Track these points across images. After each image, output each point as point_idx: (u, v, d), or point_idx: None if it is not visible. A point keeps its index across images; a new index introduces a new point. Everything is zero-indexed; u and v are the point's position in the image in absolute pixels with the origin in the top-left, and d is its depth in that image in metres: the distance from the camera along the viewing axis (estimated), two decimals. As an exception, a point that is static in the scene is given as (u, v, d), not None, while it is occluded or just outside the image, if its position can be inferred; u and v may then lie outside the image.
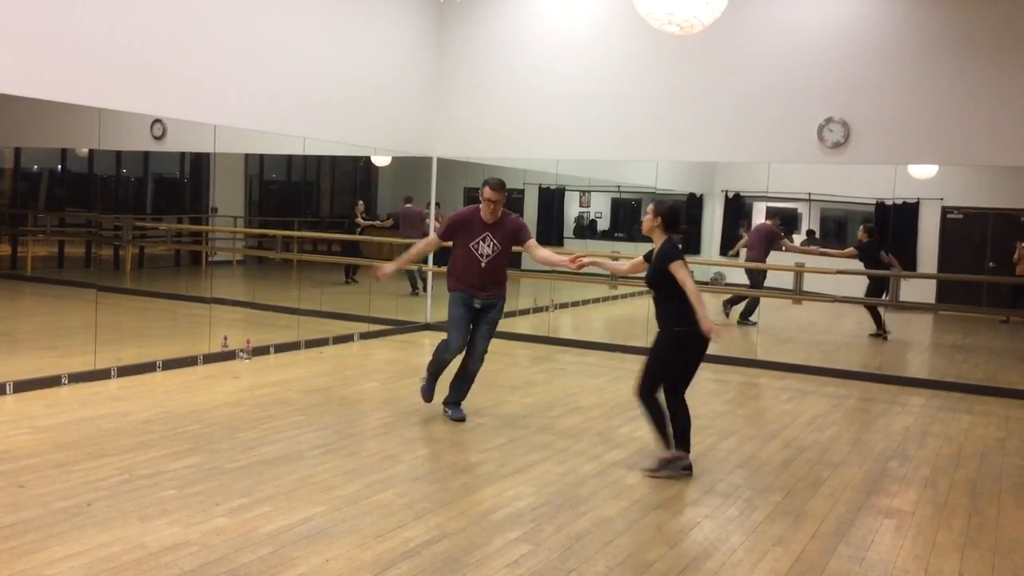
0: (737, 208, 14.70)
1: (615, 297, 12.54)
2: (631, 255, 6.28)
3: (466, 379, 6.36)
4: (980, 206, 12.54)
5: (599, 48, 9.86)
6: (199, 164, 11.58)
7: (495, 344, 9.96)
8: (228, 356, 8.18)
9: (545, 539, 4.14)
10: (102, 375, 7.09)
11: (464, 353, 6.30)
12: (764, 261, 11.04)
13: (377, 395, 7.21)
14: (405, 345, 9.76)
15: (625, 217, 15.02)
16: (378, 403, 6.89)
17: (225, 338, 8.32)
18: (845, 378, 8.73)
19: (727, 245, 14.38)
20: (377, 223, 12.46)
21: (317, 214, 13.83)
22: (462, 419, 6.25)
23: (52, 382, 6.74)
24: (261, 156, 12.66)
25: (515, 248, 6.31)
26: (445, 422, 6.26)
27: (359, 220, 12.42)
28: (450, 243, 6.34)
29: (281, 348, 8.76)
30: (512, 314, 11.98)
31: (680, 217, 5.42)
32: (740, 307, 11.03)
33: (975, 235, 12.07)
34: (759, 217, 14.88)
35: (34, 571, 3.51)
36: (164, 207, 12.81)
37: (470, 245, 6.12)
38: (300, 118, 8.89)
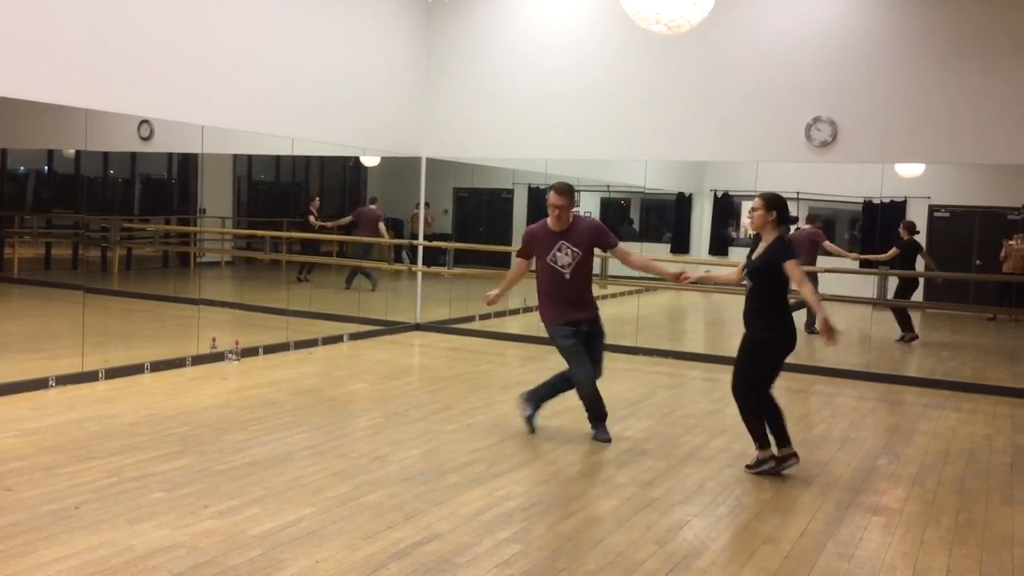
0: (726, 207, 14.74)
1: (604, 296, 12.55)
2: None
3: (594, 399, 5.97)
4: (967, 204, 12.62)
5: (587, 48, 9.87)
6: (187, 165, 11.53)
7: (486, 344, 10.01)
8: (217, 357, 8.15)
9: (535, 539, 4.14)
10: (90, 377, 7.05)
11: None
12: (813, 264, 10.88)
13: (367, 396, 7.19)
14: (395, 345, 9.74)
15: (615, 216, 15.05)
16: (368, 404, 6.88)
17: (214, 339, 8.29)
18: (834, 376, 8.77)
19: (716, 244, 14.43)
20: (329, 224, 12.42)
21: (306, 215, 13.79)
22: (608, 440, 5.90)
23: (39, 384, 6.70)
24: (249, 157, 12.62)
25: (604, 254, 5.95)
26: (433, 422, 6.25)
27: (312, 219, 12.35)
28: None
29: (270, 349, 8.74)
30: (502, 314, 12.00)
31: (789, 208, 5.33)
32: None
33: (962, 233, 12.15)
34: (747, 216, 14.88)
35: (22, 575, 3.49)
36: (152, 208, 12.76)
37: (547, 259, 5.80)
38: (288, 118, 8.87)
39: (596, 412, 5.97)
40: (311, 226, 12.33)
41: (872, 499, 5.01)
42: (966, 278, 11.64)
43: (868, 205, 12.70)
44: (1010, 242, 11.69)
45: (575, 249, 5.78)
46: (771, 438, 5.28)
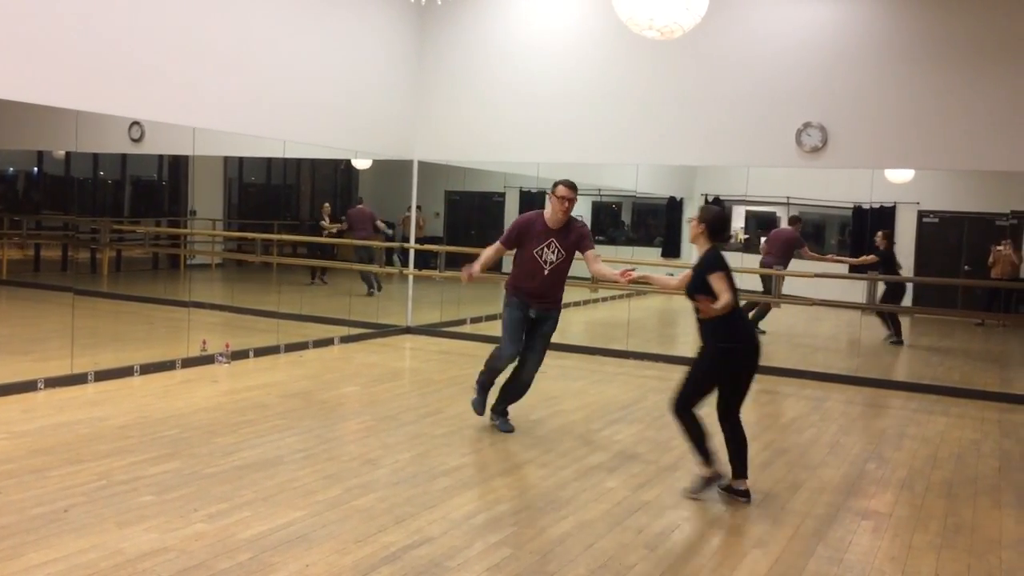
0: (717, 212, 14.73)
1: (595, 300, 12.58)
2: (621, 260, 6.28)
3: (518, 389, 6.17)
4: (956, 210, 12.69)
5: (580, 52, 9.89)
6: (177, 167, 11.50)
7: (476, 348, 10.00)
8: (207, 360, 8.12)
9: (526, 542, 4.14)
10: (79, 380, 7.02)
11: (516, 362, 6.10)
12: (784, 268, 10.88)
13: (358, 399, 7.18)
14: (386, 348, 9.73)
15: (606, 220, 15.08)
16: (359, 407, 6.87)
17: (204, 342, 8.26)
18: (824, 380, 8.80)
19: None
20: (333, 227, 12.47)
21: (297, 217, 13.77)
22: (510, 431, 6.10)
23: (28, 387, 6.67)
24: (240, 159, 12.59)
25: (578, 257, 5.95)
26: (424, 425, 6.24)
27: (324, 224, 12.41)
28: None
29: (260, 352, 8.72)
30: (493, 317, 11.99)
31: (727, 224, 5.06)
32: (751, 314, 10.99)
33: (951, 239, 12.21)
34: (738, 221, 14.98)
35: (10, 578, 3.48)
36: (142, 210, 12.70)
37: (534, 252, 5.85)
38: (280, 121, 8.86)
39: (483, 384, 6.19)
40: (323, 231, 12.35)
41: (861, 503, 5.03)
42: (955, 283, 11.69)
43: (858, 210, 12.76)
44: (998, 248, 11.76)
45: (562, 250, 5.88)
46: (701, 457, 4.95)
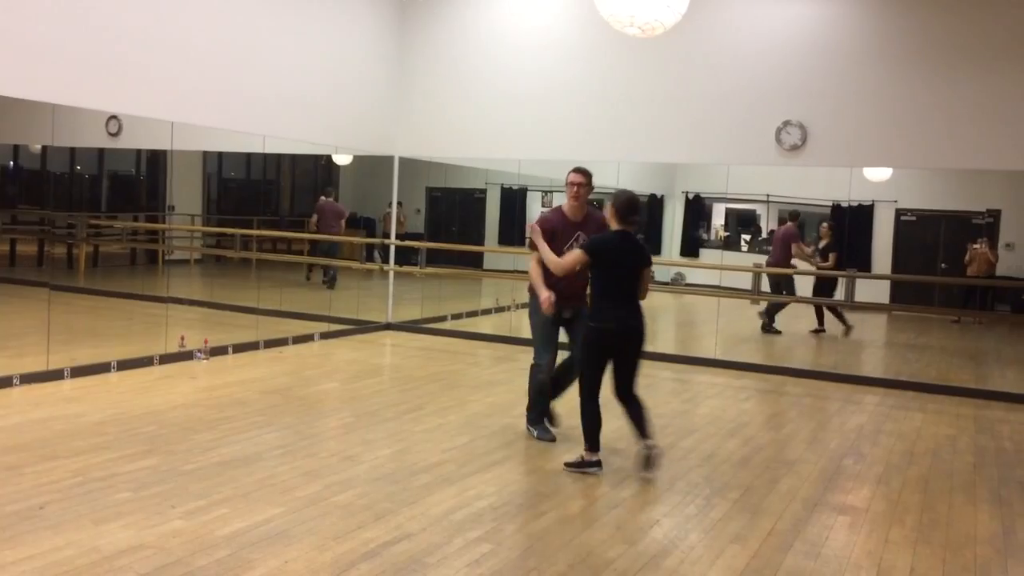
0: (697, 209, 14.86)
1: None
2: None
3: (559, 387, 5.85)
4: (933, 208, 12.82)
5: (561, 49, 9.90)
6: (156, 161, 11.40)
7: (457, 344, 10.00)
8: (185, 356, 8.07)
9: (506, 538, 4.15)
10: (55, 376, 6.95)
11: (566, 360, 5.82)
12: (787, 265, 10.95)
13: (337, 395, 7.16)
14: (366, 345, 9.70)
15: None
16: (338, 403, 6.84)
17: (182, 338, 8.20)
18: (802, 377, 8.86)
19: (687, 245, 14.53)
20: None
21: (277, 213, 13.70)
22: (553, 439, 5.84)
23: (3, 383, 6.59)
24: (220, 154, 12.50)
25: None
26: (404, 422, 6.23)
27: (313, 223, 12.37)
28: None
29: (239, 348, 8.67)
30: (474, 314, 11.99)
31: (633, 208, 5.19)
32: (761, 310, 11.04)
33: (928, 237, 12.34)
34: (718, 218, 15.05)
35: (-17, 576, 3.44)
36: (119, 205, 12.59)
37: (564, 250, 5.52)
38: (260, 115, 8.80)
39: (539, 407, 5.91)
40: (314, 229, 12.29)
41: (838, 498, 5.07)
42: (932, 281, 11.81)
43: (836, 208, 12.85)
44: (974, 246, 11.89)
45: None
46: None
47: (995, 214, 12.39)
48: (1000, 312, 12.39)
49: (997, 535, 4.57)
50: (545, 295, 5.44)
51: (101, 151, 11.18)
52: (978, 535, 4.55)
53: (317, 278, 12.71)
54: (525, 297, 6.01)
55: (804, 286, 10.93)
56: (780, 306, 11.08)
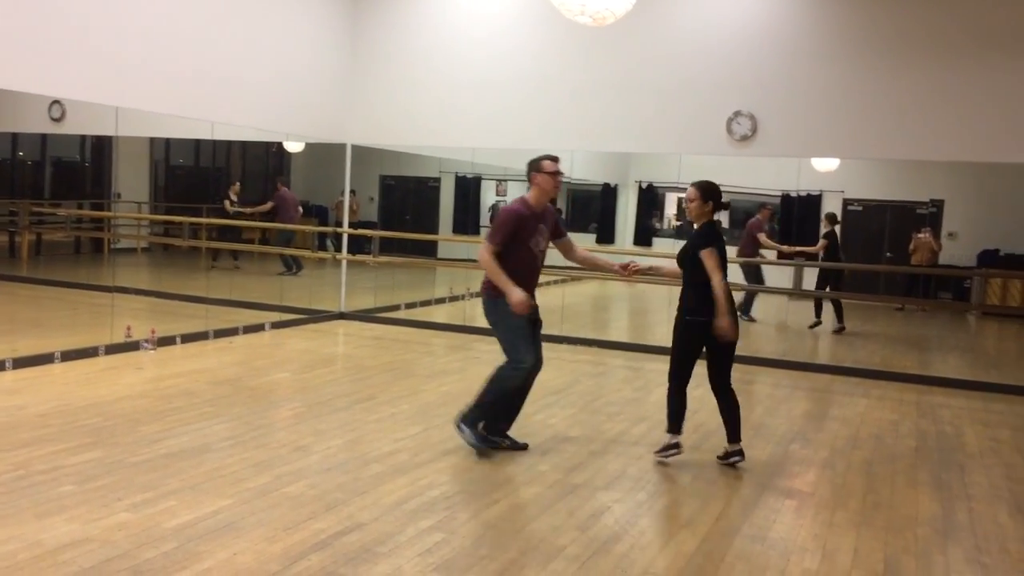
0: (650, 198, 14.98)
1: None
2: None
3: (522, 396, 5.43)
4: (879, 198, 13.10)
5: (514, 37, 9.87)
6: (101, 148, 11.16)
7: (410, 333, 9.96)
8: (132, 347, 7.92)
9: (459, 527, 4.15)
10: (-4, 367, 6.78)
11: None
12: (755, 255, 11.07)
13: (289, 385, 7.09)
14: (318, 334, 9.62)
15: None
16: (290, 393, 6.78)
17: (128, 328, 8.05)
18: (750, 364, 8.99)
19: (641, 234, 14.65)
20: (248, 210, 12.26)
21: (223, 199, 13.51)
22: (526, 447, 5.49)
23: (-60, 375, 6.42)
24: (167, 140, 12.28)
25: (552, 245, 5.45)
26: (356, 411, 6.20)
27: (228, 205, 12.16)
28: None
29: (188, 338, 8.53)
30: (428, 303, 11.96)
31: (721, 192, 5.25)
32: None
33: (873, 226, 12.62)
34: (670, 207, 15.18)
35: (-80, 573, 3.34)
36: (63, 192, 12.30)
37: (530, 243, 5.21)
38: (208, 101, 8.64)
39: (509, 412, 5.45)
40: (227, 211, 12.09)
41: (785, 483, 5.17)
42: (877, 270, 12.08)
43: (786, 198, 13.07)
44: (919, 235, 12.20)
45: (547, 236, 5.37)
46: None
47: (939, 204, 12.71)
48: (942, 300, 12.74)
49: (937, 516, 4.70)
50: (520, 295, 5.08)
51: (44, 137, 10.90)
52: (919, 517, 4.68)
53: (224, 263, 12.39)
54: (479, 286, 5.52)
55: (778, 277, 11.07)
56: (752, 296, 11.24)
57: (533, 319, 5.31)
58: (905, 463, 5.72)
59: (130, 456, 4.88)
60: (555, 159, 5.40)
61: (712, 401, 5.53)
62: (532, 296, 5.28)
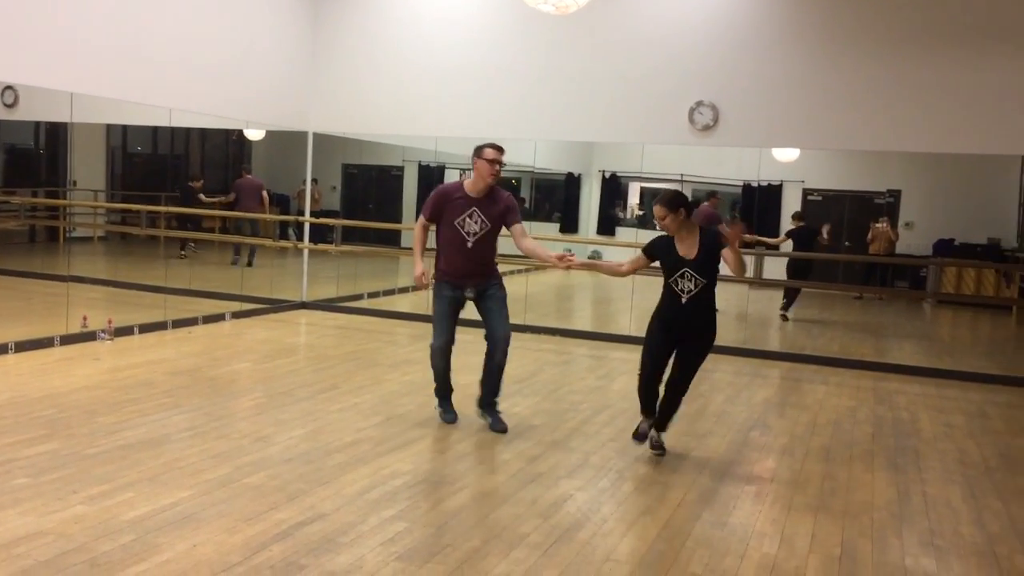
0: (613, 188, 15.03)
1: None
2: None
3: (492, 373, 5.67)
4: (838, 188, 13.28)
5: (477, 25, 9.83)
6: (56, 134, 10.91)
7: (373, 323, 9.91)
8: (88, 337, 7.78)
9: (421, 516, 4.15)
10: (-54, 358, 6.62)
11: (487, 346, 5.65)
12: None
13: (250, 375, 7.01)
14: (280, 324, 9.53)
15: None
16: (251, 383, 6.71)
17: (84, 318, 7.90)
18: (712, 353, 9.06)
19: (604, 224, 14.70)
20: (211, 200, 12.10)
21: (186, 188, 13.29)
22: (504, 430, 5.62)
23: None
24: (124, 127, 12.04)
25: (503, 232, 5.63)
26: (318, 401, 6.15)
27: (202, 197, 12.03)
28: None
29: (146, 328, 8.40)
30: (392, 292, 11.90)
31: (683, 195, 5.27)
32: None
33: (832, 216, 12.79)
34: (633, 197, 15.25)
35: None
36: (17, 180, 12.01)
37: (455, 222, 5.45)
38: (165, 87, 8.49)
39: (439, 393, 5.89)
40: (202, 201, 11.89)
41: (745, 469, 5.24)
42: (835, 259, 12.26)
43: (747, 188, 13.19)
44: (876, 225, 12.40)
45: (486, 221, 5.48)
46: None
47: (896, 194, 12.92)
48: (899, 288, 12.96)
49: (893, 501, 4.79)
50: (416, 271, 5.55)
51: (-5, 123, 10.63)
52: (875, 501, 4.77)
53: (193, 252, 12.22)
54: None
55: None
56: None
57: (458, 301, 5.63)
58: (862, 449, 5.83)
59: (86, 448, 4.80)
60: (499, 148, 5.53)
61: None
62: (467, 277, 5.56)
